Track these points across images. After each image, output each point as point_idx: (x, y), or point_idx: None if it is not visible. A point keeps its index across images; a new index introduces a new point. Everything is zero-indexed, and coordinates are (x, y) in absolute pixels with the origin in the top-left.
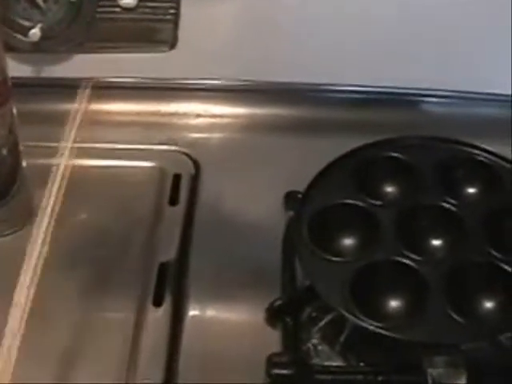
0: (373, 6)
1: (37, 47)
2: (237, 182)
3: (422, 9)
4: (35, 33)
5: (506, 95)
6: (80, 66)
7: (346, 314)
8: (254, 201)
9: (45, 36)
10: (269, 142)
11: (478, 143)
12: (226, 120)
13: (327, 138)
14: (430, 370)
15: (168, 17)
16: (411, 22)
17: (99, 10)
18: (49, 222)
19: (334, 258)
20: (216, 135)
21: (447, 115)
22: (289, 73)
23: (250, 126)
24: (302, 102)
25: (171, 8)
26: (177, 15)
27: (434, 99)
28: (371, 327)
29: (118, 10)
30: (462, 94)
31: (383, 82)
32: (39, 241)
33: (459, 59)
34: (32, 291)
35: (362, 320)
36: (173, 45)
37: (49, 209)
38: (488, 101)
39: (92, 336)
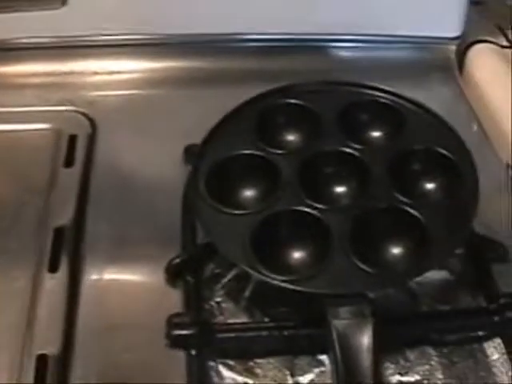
0: None
1: None
2: (135, 140)
3: None
4: None
5: (411, 36)
6: None
7: (248, 269)
8: (154, 157)
9: None
10: (167, 96)
11: (382, 86)
12: (123, 76)
13: (228, 89)
14: (334, 322)
15: None
16: None
17: None
18: None
19: (233, 211)
20: (113, 92)
21: (353, 60)
22: (186, 24)
23: (148, 81)
24: (200, 54)
25: None
26: None
27: (339, 44)
28: (274, 282)
29: None
30: (367, 38)
31: (286, 28)
32: None
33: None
34: None
35: (265, 274)
36: (64, 1)
37: None
38: (392, 43)
39: None
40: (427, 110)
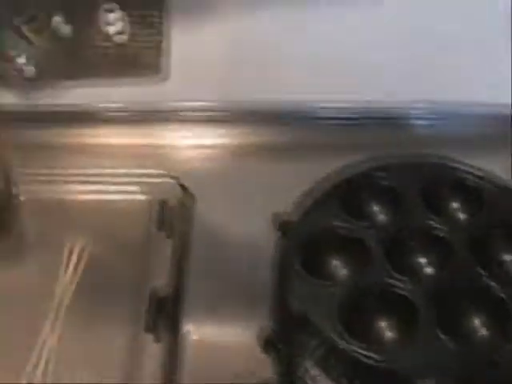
0: (360, 26)
1: (31, 80)
2: (227, 206)
3: (408, 31)
4: (30, 69)
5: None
6: (69, 95)
7: (336, 340)
8: (244, 223)
9: (38, 68)
10: (257, 166)
11: (464, 162)
12: (215, 146)
13: (314, 161)
14: None
15: (155, 45)
16: (397, 43)
17: (90, 42)
18: None
19: (323, 282)
20: (205, 161)
21: (428, 133)
22: (277, 99)
23: (238, 151)
24: (289, 125)
25: (158, 35)
26: (165, 44)
27: (413, 117)
28: (365, 360)
29: (109, 44)
30: (440, 110)
31: (369, 101)
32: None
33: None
34: None
35: (356, 351)
36: (159, 71)
37: None
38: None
39: (89, 364)
40: (508, 188)
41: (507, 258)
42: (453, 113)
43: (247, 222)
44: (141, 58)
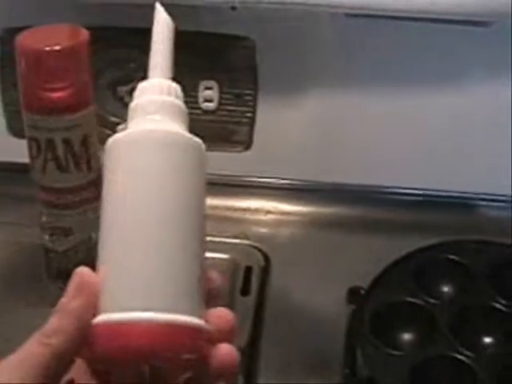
0: (427, 112)
1: None
2: (303, 275)
3: (473, 114)
4: (123, 128)
5: None
6: None
7: None
8: (319, 293)
9: None
10: (332, 238)
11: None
12: (293, 217)
13: (386, 238)
14: None
15: (244, 120)
16: (462, 128)
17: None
18: None
19: (392, 351)
20: (284, 231)
21: (501, 218)
22: (350, 175)
23: (315, 224)
24: (363, 202)
25: (248, 112)
26: (253, 119)
27: (486, 202)
28: None
29: (199, 111)
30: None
31: (437, 184)
32: None
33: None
34: None
35: None
36: (248, 146)
37: None
38: None
39: None
40: None
41: None
42: None
43: (323, 292)
44: (229, 130)
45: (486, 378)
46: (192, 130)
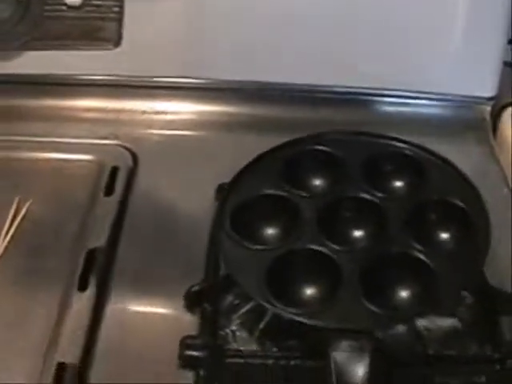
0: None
1: None
2: (173, 176)
3: (371, 9)
4: None
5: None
6: (29, 62)
7: (260, 301)
8: (188, 193)
9: None
10: (208, 138)
11: (405, 138)
12: (168, 117)
13: (266, 136)
14: (333, 354)
15: (112, 15)
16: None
17: (46, 8)
18: None
19: (252, 246)
20: (158, 131)
21: (391, 114)
22: (231, 70)
23: (192, 123)
24: (243, 100)
25: (115, 6)
26: (121, 13)
27: (378, 98)
28: (283, 314)
29: (64, 8)
30: (405, 93)
31: (328, 80)
32: None
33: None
34: None
35: (276, 306)
36: (117, 42)
37: None
38: (428, 100)
39: (19, 316)
40: (448, 163)
41: (440, 230)
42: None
43: (192, 192)
44: (97, 27)
45: (349, 271)
46: (58, 28)
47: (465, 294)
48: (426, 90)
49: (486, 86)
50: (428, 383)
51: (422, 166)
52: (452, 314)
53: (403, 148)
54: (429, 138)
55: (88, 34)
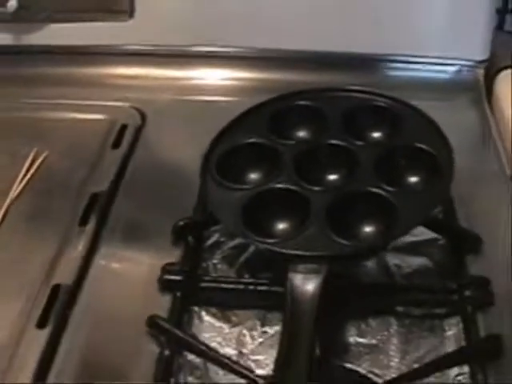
0: None
1: (13, 17)
2: (178, 135)
3: None
4: (12, 4)
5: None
6: (51, 34)
7: (235, 232)
8: (190, 151)
9: (20, 7)
10: (218, 103)
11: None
12: (179, 82)
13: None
14: (291, 275)
15: None
16: None
17: None
18: None
19: (233, 186)
20: (167, 95)
21: (386, 77)
22: (243, 38)
23: (200, 88)
24: (251, 66)
25: None
26: None
27: (373, 61)
28: (255, 243)
29: None
30: (399, 58)
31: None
32: None
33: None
34: None
35: (250, 237)
36: (131, 14)
37: None
38: (421, 64)
39: (24, 248)
40: (420, 113)
41: (408, 173)
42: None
43: (195, 151)
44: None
45: (316, 206)
46: (76, 2)
47: (435, 234)
48: (421, 54)
49: (477, 49)
50: (388, 312)
51: (397, 117)
52: (422, 253)
53: (380, 101)
54: (422, 100)
55: (103, 7)
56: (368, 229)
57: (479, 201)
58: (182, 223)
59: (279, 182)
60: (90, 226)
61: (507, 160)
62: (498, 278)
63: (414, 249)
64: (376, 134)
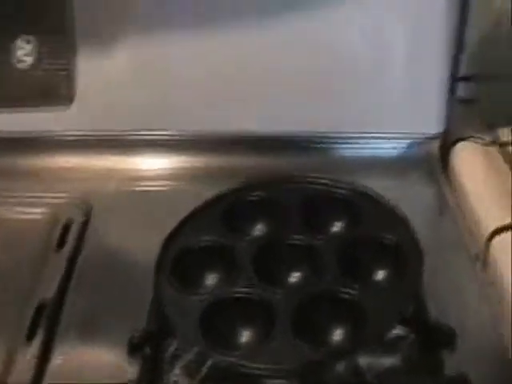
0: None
1: None
2: (125, 229)
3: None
4: None
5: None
6: None
7: (200, 350)
8: (140, 244)
9: None
10: (165, 191)
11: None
12: (121, 171)
13: (223, 186)
14: None
15: (64, 73)
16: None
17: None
18: None
19: (189, 290)
20: (112, 185)
21: (337, 156)
22: (182, 122)
23: (143, 176)
24: (195, 151)
25: (67, 64)
26: (72, 71)
27: (324, 140)
28: (219, 358)
29: (15, 69)
30: (351, 135)
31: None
32: None
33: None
34: None
35: (212, 352)
36: (70, 99)
37: None
38: (375, 139)
39: None
40: (381, 202)
41: (373, 267)
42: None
43: (145, 243)
44: (50, 85)
45: (283, 313)
46: (10, 89)
47: (406, 330)
48: (374, 131)
49: (432, 122)
50: None
51: (356, 207)
52: (393, 351)
53: (337, 191)
54: (376, 177)
55: (41, 94)
56: (337, 332)
57: (446, 285)
58: (137, 335)
59: (239, 287)
60: (38, 340)
61: (465, 231)
62: (476, 374)
63: (385, 345)
64: (336, 227)
